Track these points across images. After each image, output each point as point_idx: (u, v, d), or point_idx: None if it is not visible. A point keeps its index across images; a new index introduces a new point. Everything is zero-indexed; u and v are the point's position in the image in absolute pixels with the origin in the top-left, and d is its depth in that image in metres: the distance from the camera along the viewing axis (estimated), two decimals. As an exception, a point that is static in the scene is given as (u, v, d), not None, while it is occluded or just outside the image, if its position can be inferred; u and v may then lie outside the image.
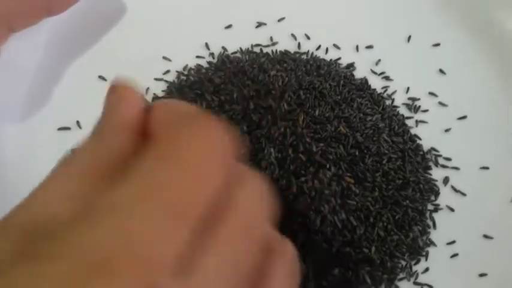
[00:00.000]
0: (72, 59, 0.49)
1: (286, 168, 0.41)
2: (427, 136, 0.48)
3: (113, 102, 0.26)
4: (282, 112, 0.43)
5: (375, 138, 0.44)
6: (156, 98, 0.49)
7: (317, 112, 0.43)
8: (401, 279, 0.43)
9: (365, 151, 0.43)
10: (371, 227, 0.42)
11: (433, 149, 0.48)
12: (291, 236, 0.39)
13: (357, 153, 0.43)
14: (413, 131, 0.49)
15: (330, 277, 0.41)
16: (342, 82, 0.48)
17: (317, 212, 0.41)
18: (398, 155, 0.46)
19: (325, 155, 0.42)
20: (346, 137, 0.43)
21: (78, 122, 0.47)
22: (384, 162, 0.44)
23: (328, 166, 0.42)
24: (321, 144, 0.42)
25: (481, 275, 0.43)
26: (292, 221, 0.40)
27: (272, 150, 0.41)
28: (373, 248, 0.42)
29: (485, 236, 0.45)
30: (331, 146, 0.42)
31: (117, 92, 0.26)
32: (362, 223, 0.42)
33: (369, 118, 0.46)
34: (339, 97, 0.46)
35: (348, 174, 0.42)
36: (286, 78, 0.45)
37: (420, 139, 0.48)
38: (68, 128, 0.46)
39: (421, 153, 0.48)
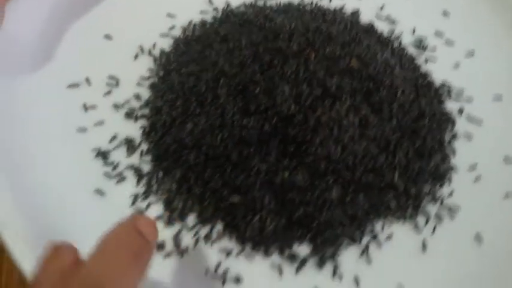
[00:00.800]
0: (78, 18, 0.49)
1: (302, 104, 0.41)
2: (438, 72, 0.48)
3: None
4: (293, 51, 0.43)
5: (387, 72, 0.44)
6: (163, 52, 0.49)
7: (327, 50, 0.43)
8: (426, 204, 0.42)
9: (379, 84, 0.43)
10: (392, 155, 0.42)
11: (444, 83, 0.48)
12: (312, 167, 0.41)
13: (371, 85, 0.43)
14: (423, 69, 0.49)
15: (355, 205, 0.41)
16: (348, 26, 0.48)
17: (337, 141, 0.41)
18: (412, 89, 0.46)
19: (340, 88, 0.42)
20: (358, 71, 0.43)
21: (87, 79, 0.47)
22: (398, 95, 0.44)
23: (343, 98, 0.42)
24: (335, 79, 0.42)
25: (506, 195, 0.43)
26: (312, 153, 0.40)
27: (286, 87, 0.41)
28: (396, 175, 0.42)
29: (506, 159, 0.45)
30: (345, 79, 0.42)
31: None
32: (382, 151, 0.42)
33: (379, 55, 0.46)
34: (348, 37, 0.46)
35: (364, 105, 0.42)
36: (293, 24, 0.46)
37: (431, 75, 0.48)
38: (77, 85, 0.47)
39: (434, 87, 0.48)
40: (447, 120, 0.46)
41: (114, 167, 0.44)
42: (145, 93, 0.47)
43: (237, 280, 0.39)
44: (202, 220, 0.41)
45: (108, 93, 0.47)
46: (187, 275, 0.39)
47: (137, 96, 0.47)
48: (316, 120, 0.41)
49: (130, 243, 0.32)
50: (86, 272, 0.30)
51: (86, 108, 0.46)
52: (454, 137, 0.45)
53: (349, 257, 0.40)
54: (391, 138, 0.42)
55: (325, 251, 0.40)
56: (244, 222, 0.40)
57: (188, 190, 0.42)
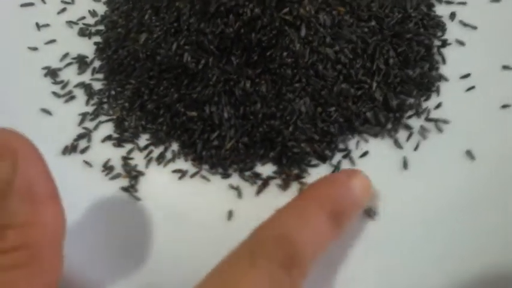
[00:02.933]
0: None
1: (267, 4, 0.34)
2: (428, -25, 0.41)
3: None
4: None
5: (367, -30, 0.37)
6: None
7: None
8: (410, 117, 0.35)
9: (356, -19, 0.37)
10: (370, 60, 0.36)
11: (435, -15, 0.41)
12: (277, 74, 0.35)
13: (346, -18, 0.36)
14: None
15: (327, 119, 0.34)
16: None
17: (306, 44, 0.34)
18: (395, -11, 0.39)
19: (310, -17, 0.35)
20: (332, -33, 0.36)
21: None
22: (379, -7, 0.37)
23: (314, -5, 0.35)
24: (304, -25, 0.35)
25: (504, 106, 0.36)
26: (277, 59, 0.34)
27: (248, -15, 0.35)
28: (374, 84, 0.35)
29: (505, 67, 0.37)
30: (316, -24, 0.36)
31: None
32: (359, 56, 0.35)
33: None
34: None
35: (338, 2, 0.36)
36: None
37: (420, -23, 0.41)
38: (31, 4, 0.42)
39: (422, -10, 0.41)
40: (436, 25, 0.39)
41: (64, 86, 0.38)
42: (102, 9, 0.42)
43: (192, 204, 0.34)
44: (155, 140, 0.35)
45: (63, 10, 0.42)
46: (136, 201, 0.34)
47: (93, 13, 0.41)
48: (282, 20, 0.34)
49: (334, 201, 0.26)
50: (278, 225, 0.24)
51: (38, 27, 0.41)
52: (444, 43, 0.38)
53: (317, 177, 0.33)
54: (370, 40, 0.35)
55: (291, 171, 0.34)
56: (201, 140, 0.35)
57: (141, 107, 0.36)
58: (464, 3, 0.40)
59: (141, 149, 0.35)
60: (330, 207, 0.25)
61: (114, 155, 0.35)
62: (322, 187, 0.27)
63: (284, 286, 0.22)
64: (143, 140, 0.35)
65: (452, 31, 0.39)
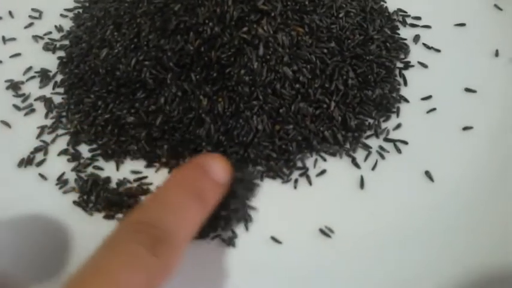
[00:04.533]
0: None
1: (227, 23, 0.34)
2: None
3: None
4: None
5: (328, -9, 0.37)
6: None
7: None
8: (369, 137, 0.35)
9: (316, 2, 0.36)
10: (329, 80, 0.35)
11: (399, 9, 0.40)
12: (235, 92, 0.33)
13: (306, 2, 0.36)
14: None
15: (286, 136, 0.33)
16: None
17: (264, 62, 0.34)
18: (358, 11, 0.38)
19: (270, 4, 0.35)
20: (293, -12, 0.36)
21: (10, 12, 0.42)
22: (341, 15, 0.37)
23: (273, 15, 0.35)
24: (265, -5, 0.35)
25: (465, 128, 0.35)
26: (235, 76, 0.33)
27: (209, 3, 0.34)
28: (333, 104, 0.34)
29: (468, 90, 0.37)
30: (276, -3, 0.35)
31: None
32: (317, 76, 0.35)
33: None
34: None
35: (298, 23, 0.35)
36: None
37: (385, 1, 0.41)
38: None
39: (386, 14, 0.40)
40: (399, 47, 0.38)
41: (25, 99, 0.37)
42: (68, 25, 0.41)
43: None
44: (104, 155, 0.34)
45: (30, 25, 0.41)
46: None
47: (59, 28, 0.41)
48: (241, 39, 0.34)
49: (193, 183, 0.26)
50: (141, 212, 0.25)
51: (4, 40, 0.41)
52: (406, 65, 0.37)
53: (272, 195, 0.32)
54: (329, 61, 0.35)
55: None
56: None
57: (93, 121, 0.35)
58: (429, 27, 0.40)
59: (86, 165, 0.34)
60: (192, 188, 0.26)
61: (69, 168, 0.34)
62: (183, 171, 0.27)
63: (152, 267, 0.23)
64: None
65: (416, 54, 0.38)
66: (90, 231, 0.31)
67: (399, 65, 0.38)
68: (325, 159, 0.34)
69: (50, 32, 0.41)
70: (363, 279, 0.30)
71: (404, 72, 0.37)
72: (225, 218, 0.29)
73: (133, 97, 0.35)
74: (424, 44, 0.39)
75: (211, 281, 0.30)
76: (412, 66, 0.37)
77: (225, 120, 0.34)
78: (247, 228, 0.31)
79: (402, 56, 0.38)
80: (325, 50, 0.35)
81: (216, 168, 0.27)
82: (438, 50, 0.38)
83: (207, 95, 0.34)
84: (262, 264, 0.30)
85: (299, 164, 0.34)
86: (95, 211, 0.32)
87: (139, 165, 0.34)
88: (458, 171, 0.33)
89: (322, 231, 0.31)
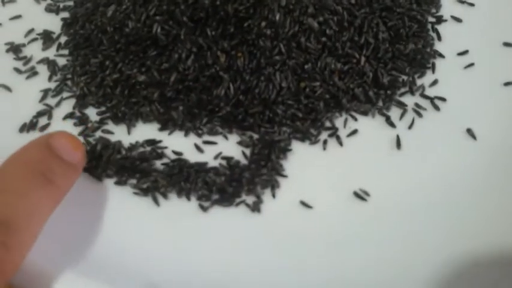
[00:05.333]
0: None
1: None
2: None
3: None
4: None
5: None
6: None
7: None
8: (403, 94, 0.32)
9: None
10: (357, 33, 0.32)
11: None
12: (255, 46, 0.30)
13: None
14: None
15: (313, 94, 0.31)
16: None
17: (287, 14, 0.31)
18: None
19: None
20: None
21: None
22: (368, -36, 0.34)
23: (296, -37, 0.32)
24: None
25: (506, 83, 0.32)
26: (255, 30, 0.31)
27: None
28: (363, 59, 0.31)
29: (506, 44, 0.34)
30: None
31: None
32: (345, 29, 0.32)
33: None
34: None
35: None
36: None
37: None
38: None
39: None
40: (431, 1, 0.35)
41: (26, 62, 0.34)
42: (72, -15, 0.38)
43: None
44: (113, 117, 0.31)
45: (31, -13, 0.39)
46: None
47: (63, -11, 0.38)
48: (262, -9, 0.31)
49: (39, 164, 0.24)
50: None
51: (3, 2, 0.38)
52: (439, 19, 0.34)
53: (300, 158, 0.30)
54: (357, 14, 0.32)
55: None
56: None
57: (101, 82, 0.32)
58: (461, -21, 0.37)
59: (94, 129, 0.31)
60: (36, 170, 0.24)
61: (76, 133, 0.31)
62: (27, 151, 0.25)
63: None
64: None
65: (449, 8, 0.35)
66: (101, 198, 0.29)
67: (431, 19, 0.35)
68: (356, 119, 0.31)
69: (52, -7, 0.38)
70: (400, 245, 0.27)
71: (437, 26, 0.34)
72: (249, 182, 0.26)
73: (144, 55, 0.32)
74: (458, -3, 0.36)
75: (236, 250, 0.27)
76: (445, 20, 0.34)
77: (245, 78, 0.31)
78: (274, 195, 0.29)
79: (434, 10, 0.35)
80: (353, 1, 0.32)
81: (65, 147, 0.25)
82: (472, 4, 0.35)
83: (224, 50, 0.31)
84: (291, 232, 0.27)
85: (328, 124, 0.31)
86: (106, 177, 0.30)
87: (152, 128, 0.31)
88: (501, 128, 0.30)
89: (357, 194, 0.28)
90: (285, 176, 0.29)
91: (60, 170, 0.25)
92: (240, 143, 0.30)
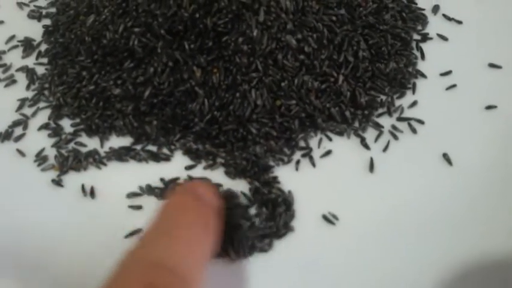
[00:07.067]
0: None
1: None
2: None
3: None
4: None
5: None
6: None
7: None
8: (381, 115, 0.31)
9: (325, -35, 0.32)
10: (337, 51, 0.31)
11: (418, -24, 0.37)
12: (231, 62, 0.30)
13: (313, -34, 0.32)
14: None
15: (288, 113, 0.30)
16: None
17: (264, 29, 0.30)
18: (372, -23, 0.34)
19: (273, -33, 0.31)
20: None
21: None
22: (352, -20, 0.33)
23: (278, -21, 0.31)
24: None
25: (489, 107, 0.31)
26: (232, 45, 0.30)
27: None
28: (341, 77, 0.31)
29: (492, 65, 0.33)
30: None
31: None
32: (324, 46, 0.31)
33: None
34: None
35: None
36: None
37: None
38: None
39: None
40: (416, 18, 0.34)
41: (6, 70, 0.34)
42: (56, -9, 0.38)
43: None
44: (87, 129, 0.31)
45: (15, -9, 0.38)
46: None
47: (46, -6, 0.38)
48: (240, 4, 0.30)
49: (196, 214, 0.24)
50: (148, 247, 0.22)
51: (-14, 8, 0.38)
52: (424, 37, 0.34)
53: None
54: (338, 31, 0.31)
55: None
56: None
57: (77, 93, 0.32)
58: (449, -4, 0.36)
59: (67, 141, 0.31)
60: (196, 215, 0.23)
61: (49, 144, 0.31)
62: (177, 198, 0.24)
63: None
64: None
65: (435, 25, 0.34)
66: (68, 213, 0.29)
67: (416, 37, 0.34)
68: (330, 139, 0.30)
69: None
70: (370, 272, 0.26)
71: (422, 45, 0.33)
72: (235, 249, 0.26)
73: (120, 67, 0.31)
74: (444, 15, 0.34)
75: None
76: (431, 38, 0.33)
77: (221, 94, 0.30)
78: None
79: (420, 28, 0.34)
80: (334, 18, 0.31)
81: (208, 193, 0.25)
82: (459, 22, 0.34)
83: (200, 66, 0.30)
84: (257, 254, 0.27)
85: (302, 143, 0.30)
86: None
87: (125, 141, 0.31)
88: (479, 155, 0.29)
89: (325, 217, 0.27)
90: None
91: (211, 216, 0.24)
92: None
